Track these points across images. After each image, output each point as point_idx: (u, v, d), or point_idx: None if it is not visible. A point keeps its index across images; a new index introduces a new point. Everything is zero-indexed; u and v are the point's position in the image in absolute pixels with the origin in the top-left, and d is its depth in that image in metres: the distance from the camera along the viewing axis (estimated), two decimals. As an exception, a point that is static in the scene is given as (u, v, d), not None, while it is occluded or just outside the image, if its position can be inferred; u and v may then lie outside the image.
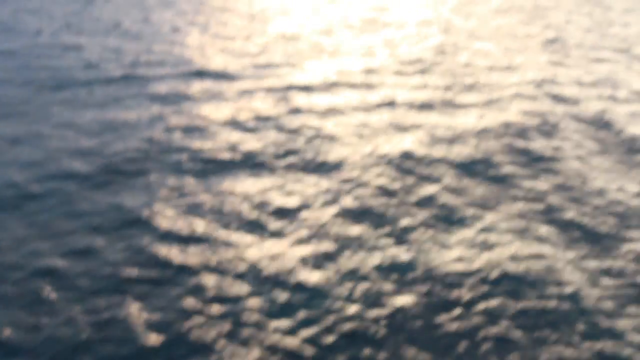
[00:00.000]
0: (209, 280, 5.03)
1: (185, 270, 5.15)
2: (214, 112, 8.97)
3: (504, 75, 11.90)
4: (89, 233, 5.64)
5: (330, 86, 10.58)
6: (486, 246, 5.73)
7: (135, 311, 4.59)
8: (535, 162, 7.79)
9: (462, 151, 7.96)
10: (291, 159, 7.47)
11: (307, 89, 10.33)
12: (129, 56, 11.91)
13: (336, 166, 7.32)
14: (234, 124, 8.58)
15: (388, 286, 5.05)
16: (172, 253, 5.39)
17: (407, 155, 7.74)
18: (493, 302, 4.89)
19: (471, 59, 13.06)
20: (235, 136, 8.10)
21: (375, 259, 5.43)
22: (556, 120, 9.39)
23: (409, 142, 8.17)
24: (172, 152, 7.55)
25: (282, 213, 6.18)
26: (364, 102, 9.79)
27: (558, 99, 10.60)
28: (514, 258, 5.55)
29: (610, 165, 7.84)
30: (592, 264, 5.54)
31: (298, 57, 12.47)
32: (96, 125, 8.28)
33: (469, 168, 7.49)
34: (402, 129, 8.69)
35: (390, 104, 9.79)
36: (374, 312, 4.71)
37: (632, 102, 10.68)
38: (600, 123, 9.40)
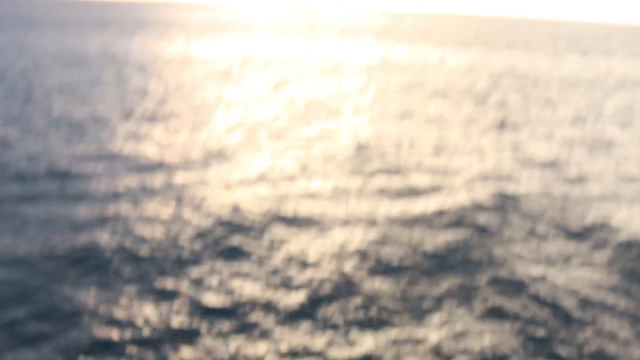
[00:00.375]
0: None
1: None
2: (161, 205, 9.00)
3: (450, 158, 12.40)
4: (40, 320, 5.50)
5: (277, 176, 10.79)
6: (438, 323, 5.87)
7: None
8: (484, 239, 8.06)
9: (413, 235, 8.18)
10: (241, 244, 7.52)
11: (255, 178, 10.51)
12: (74, 150, 11.90)
13: (291, 258, 7.34)
14: (181, 215, 8.62)
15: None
16: (127, 340, 5.28)
17: (360, 243, 7.91)
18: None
19: (416, 144, 13.57)
20: (180, 227, 8.14)
21: (323, 341, 5.48)
22: (504, 200, 9.78)
23: (361, 230, 8.34)
24: (121, 243, 7.51)
25: (243, 300, 6.18)
26: (313, 190, 9.98)
27: (506, 179, 11.07)
28: (473, 335, 5.69)
29: (560, 245, 8.22)
30: (545, 344, 5.74)
31: (246, 146, 12.72)
32: (42, 219, 8.18)
33: (419, 249, 7.69)
34: (352, 216, 8.89)
35: (340, 190, 10.04)
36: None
37: (577, 182, 11.21)
38: (548, 203, 9.84)
